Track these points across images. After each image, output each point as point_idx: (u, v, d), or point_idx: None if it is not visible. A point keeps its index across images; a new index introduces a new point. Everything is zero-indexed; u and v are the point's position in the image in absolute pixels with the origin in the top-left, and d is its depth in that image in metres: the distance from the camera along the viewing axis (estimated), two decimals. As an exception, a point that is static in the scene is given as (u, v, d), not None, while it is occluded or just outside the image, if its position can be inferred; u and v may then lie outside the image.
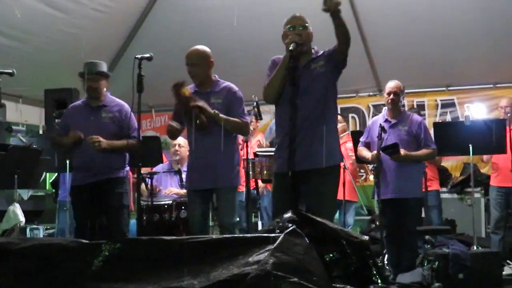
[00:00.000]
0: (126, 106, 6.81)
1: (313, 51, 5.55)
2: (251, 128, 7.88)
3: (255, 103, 7.19)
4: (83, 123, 6.65)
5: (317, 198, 5.26)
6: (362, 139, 7.66)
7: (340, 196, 8.56)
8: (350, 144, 9.12)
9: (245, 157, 7.15)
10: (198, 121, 5.86)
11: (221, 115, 5.96)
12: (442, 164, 9.73)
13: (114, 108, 6.80)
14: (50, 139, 7.16)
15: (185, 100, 5.87)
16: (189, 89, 5.93)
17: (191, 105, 5.85)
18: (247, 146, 7.10)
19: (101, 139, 6.48)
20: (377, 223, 8.94)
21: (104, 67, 6.95)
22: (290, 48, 5.19)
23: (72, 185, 6.75)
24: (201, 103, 5.87)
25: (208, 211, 6.26)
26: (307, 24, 5.47)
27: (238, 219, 6.41)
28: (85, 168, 6.60)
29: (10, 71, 6.17)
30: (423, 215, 8.37)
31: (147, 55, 5.74)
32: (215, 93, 6.15)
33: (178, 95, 5.86)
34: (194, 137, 6.09)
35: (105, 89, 6.87)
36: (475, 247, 7.61)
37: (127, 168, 6.86)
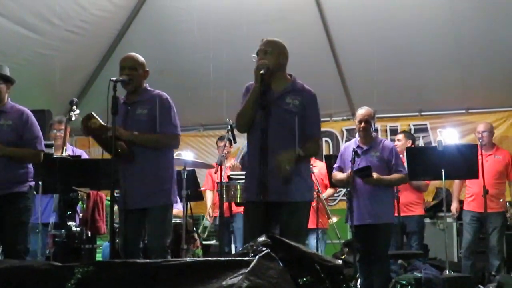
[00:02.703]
0: (27, 113, 6.43)
1: (289, 77, 5.52)
2: (225, 152, 7.88)
3: (229, 127, 7.16)
4: None
5: (287, 231, 5.16)
6: (335, 165, 7.69)
7: (314, 225, 8.61)
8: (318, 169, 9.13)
9: (218, 180, 7.14)
10: (119, 149, 5.62)
11: (139, 135, 5.75)
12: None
13: (14, 115, 6.35)
14: None
15: (98, 131, 5.72)
16: (98, 119, 5.70)
17: (104, 136, 5.66)
18: (221, 169, 7.09)
19: None
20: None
21: (5, 71, 6.53)
22: (261, 72, 5.20)
23: None
24: (112, 128, 5.54)
25: (138, 232, 5.92)
26: (270, 49, 5.41)
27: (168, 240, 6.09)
28: None
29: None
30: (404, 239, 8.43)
31: (122, 78, 5.73)
32: (142, 103, 5.89)
33: (89, 128, 5.72)
34: (121, 162, 5.78)
35: (6, 95, 6.44)
36: (447, 272, 7.64)
37: (31, 182, 6.45)
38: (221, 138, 8.99)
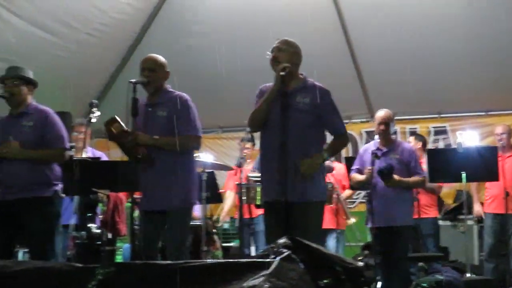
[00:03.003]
0: (49, 113, 6.37)
1: (301, 76, 5.56)
2: (245, 153, 7.87)
3: (248, 129, 7.16)
4: (2, 133, 6.23)
5: (303, 231, 5.19)
6: (354, 166, 7.68)
7: (332, 225, 8.60)
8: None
9: (238, 182, 7.14)
10: (139, 155, 5.65)
11: (159, 139, 5.74)
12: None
13: (35, 116, 6.30)
14: None
15: (119, 136, 5.72)
16: (121, 124, 5.69)
17: (125, 142, 5.68)
18: (240, 172, 7.09)
19: (13, 145, 6.10)
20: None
21: (28, 73, 6.50)
22: (282, 73, 5.23)
23: None
24: (133, 136, 5.62)
25: (157, 234, 5.89)
26: (284, 47, 5.48)
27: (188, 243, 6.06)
28: (6, 183, 6.12)
29: (5, 94, 6.16)
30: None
31: (141, 80, 5.73)
32: (162, 105, 5.88)
33: (111, 132, 5.72)
34: (142, 167, 5.80)
35: (28, 96, 6.40)
36: (468, 274, 7.60)
37: (57, 186, 6.35)
38: (244, 139, 8.99)
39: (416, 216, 7.81)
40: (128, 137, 5.61)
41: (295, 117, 5.31)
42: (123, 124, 5.68)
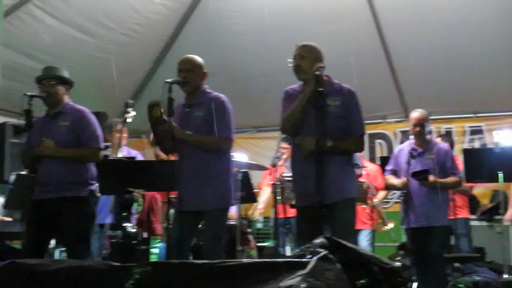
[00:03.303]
0: (85, 112, 6.40)
1: (327, 78, 5.53)
2: (279, 153, 7.86)
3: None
4: (39, 133, 6.19)
5: (337, 229, 5.19)
6: (388, 167, 7.64)
7: (365, 225, 8.58)
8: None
9: (273, 181, 7.13)
10: (166, 145, 5.71)
11: (193, 136, 5.77)
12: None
13: (71, 116, 6.32)
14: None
15: (154, 121, 5.72)
16: (161, 110, 5.66)
17: (158, 128, 5.72)
18: (275, 171, 7.08)
19: (48, 145, 6.10)
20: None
21: (64, 73, 6.50)
22: (317, 72, 5.22)
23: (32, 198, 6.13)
24: (170, 126, 5.64)
25: (190, 234, 5.91)
26: (306, 54, 5.49)
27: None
28: (42, 182, 6.10)
29: (43, 94, 6.19)
30: (452, 242, 8.32)
31: (178, 79, 5.75)
32: (199, 105, 5.89)
33: (150, 114, 5.73)
34: (176, 161, 5.86)
35: (64, 96, 6.40)
36: (505, 275, 7.52)
37: (92, 186, 6.37)
38: (283, 139, 8.99)
39: (451, 217, 7.74)
40: (165, 125, 5.63)
41: (327, 120, 5.28)
42: (163, 112, 5.68)
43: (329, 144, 5.28)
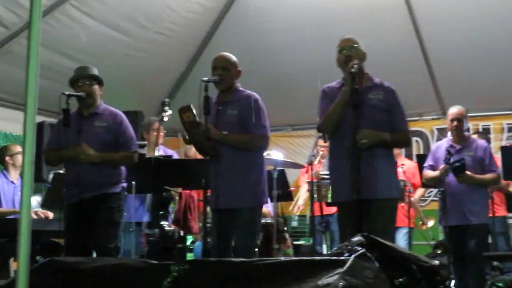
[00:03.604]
0: (121, 115, 6.46)
1: (367, 76, 5.53)
2: (315, 151, 7.85)
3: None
4: (74, 133, 6.17)
5: (374, 229, 5.16)
6: (426, 163, 7.59)
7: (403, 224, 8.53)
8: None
9: (309, 180, 7.12)
10: (207, 149, 5.66)
11: (229, 135, 5.75)
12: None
13: (108, 117, 6.38)
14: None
15: (188, 125, 5.75)
16: (194, 114, 5.68)
17: (194, 132, 5.72)
18: (311, 169, 7.07)
19: (89, 151, 6.13)
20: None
21: (95, 71, 6.51)
22: (352, 69, 5.20)
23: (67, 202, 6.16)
24: (205, 127, 5.58)
25: (229, 232, 5.90)
26: (356, 45, 5.49)
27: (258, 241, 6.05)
28: (76, 184, 6.11)
29: (80, 94, 6.21)
30: (489, 241, 8.25)
31: (213, 78, 5.76)
32: (233, 103, 5.89)
33: (182, 119, 5.75)
34: (210, 160, 5.80)
35: (99, 96, 6.45)
36: (544, 274, 7.45)
37: (123, 184, 6.48)
38: (321, 137, 8.97)
39: (490, 215, 7.68)
40: (199, 128, 5.63)
41: (368, 113, 5.29)
42: (195, 114, 5.70)
43: (387, 137, 5.31)
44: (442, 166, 7.12)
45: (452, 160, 7.05)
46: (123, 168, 6.49)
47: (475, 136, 8.92)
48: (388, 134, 5.33)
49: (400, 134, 5.53)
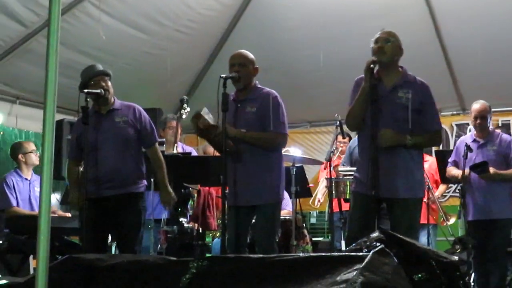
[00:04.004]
0: (140, 108, 6.49)
1: (400, 70, 5.49)
2: (334, 148, 7.83)
3: (338, 122, 7.14)
4: (96, 132, 6.18)
5: (399, 228, 5.09)
6: (450, 159, 7.56)
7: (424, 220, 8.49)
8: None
9: (328, 176, 7.11)
10: (227, 148, 5.61)
11: (248, 133, 5.77)
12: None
13: (125, 111, 6.37)
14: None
15: (206, 131, 5.75)
16: (206, 118, 5.69)
17: (213, 135, 5.72)
18: (329, 166, 7.06)
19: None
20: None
21: (101, 68, 6.47)
22: (371, 65, 5.18)
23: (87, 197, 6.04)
24: (222, 125, 5.54)
25: (246, 229, 5.96)
26: (392, 38, 5.43)
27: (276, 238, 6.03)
28: (100, 180, 6.15)
29: (99, 91, 6.21)
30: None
31: (232, 74, 5.76)
32: (251, 101, 5.91)
33: (197, 127, 5.75)
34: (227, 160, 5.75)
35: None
36: None
37: (145, 182, 6.49)
38: (339, 133, 8.95)
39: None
40: (216, 130, 5.65)
41: (397, 112, 5.29)
42: (207, 118, 5.71)
43: (408, 141, 5.26)
44: (461, 172, 7.08)
45: (474, 161, 7.02)
46: (144, 165, 6.49)
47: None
48: (409, 138, 5.27)
49: (431, 135, 5.51)
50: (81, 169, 6.43)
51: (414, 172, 5.42)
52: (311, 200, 9.54)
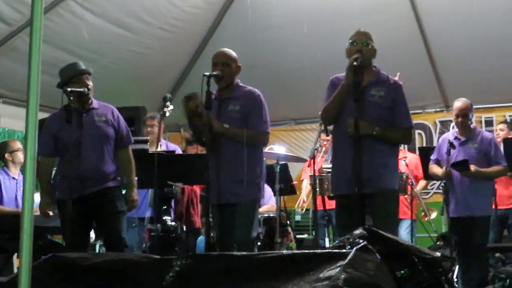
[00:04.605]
0: (114, 107, 6.53)
1: (374, 69, 5.53)
2: (318, 145, 7.85)
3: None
4: (75, 130, 6.12)
5: (379, 220, 5.18)
6: (432, 157, 7.60)
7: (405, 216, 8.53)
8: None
9: (312, 173, 7.13)
10: (203, 138, 5.69)
11: (230, 129, 5.76)
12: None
13: (103, 111, 6.39)
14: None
15: (191, 114, 5.74)
16: (197, 102, 5.68)
17: (195, 122, 5.74)
18: (313, 163, 7.08)
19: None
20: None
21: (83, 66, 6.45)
22: (354, 63, 5.20)
23: (63, 198, 6.08)
24: (208, 118, 5.60)
25: (230, 226, 5.91)
26: (369, 42, 5.46)
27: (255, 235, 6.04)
28: (80, 177, 6.13)
29: (82, 89, 6.19)
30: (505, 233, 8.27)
31: (215, 73, 5.76)
32: (234, 99, 5.89)
33: (187, 108, 5.75)
34: (210, 154, 5.80)
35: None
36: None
37: (119, 179, 6.47)
38: (323, 130, 8.96)
39: (505, 207, 7.70)
40: (202, 118, 5.64)
41: (370, 110, 5.32)
42: (200, 104, 5.68)
43: (376, 131, 5.29)
44: (444, 166, 7.14)
45: (455, 158, 7.07)
46: (118, 165, 6.51)
47: (504, 126, 8.85)
48: (377, 129, 5.31)
49: (400, 130, 5.55)
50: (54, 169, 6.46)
51: (391, 167, 5.50)
52: (296, 204, 9.59)
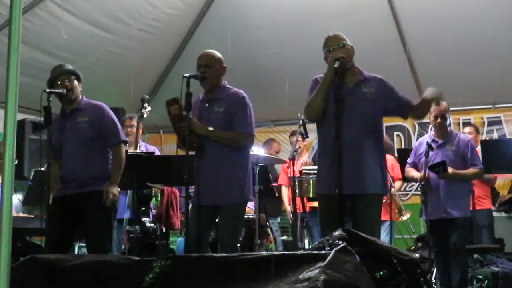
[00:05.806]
0: (103, 107, 6.40)
1: (356, 70, 5.53)
2: (297, 147, 7.86)
3: (301, 121, 7.16)
4: (58, 132, 6.20)
5: (361, 224, 5.18)
6: (409, 160, 7.64)
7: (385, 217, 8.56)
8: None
9: (291, 175, 7.13)
10: (194, 144, 5.68)
11: (214, 131, 5.73)
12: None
13: (89, 111, 6.29)
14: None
15: (174, 118, 5.71)
16: (180, 107, 5.64)
17: (179, 125, 5.69)
18: (293, 165, 7.08)
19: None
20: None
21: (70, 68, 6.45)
22: (335, 65, 5.19)
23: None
24: (191, 122, 5.63)
25: (208, 229, 5.96)
26: (344, 42, 5.45)
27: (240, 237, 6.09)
28: (64, 178, 6.16)
29: (61, 90, 6.16)
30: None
31: (196, 74, 5.74)
32: (219, 101, 5.86)
33: (169, 112, 5.72)
34: (195, 158, 5.84)
35: (80, 91, 6.36)
36: (525, 266, 7.49)
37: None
38: (293, 133, 8.96)
39: (471, 208, 7.73)
40: (184, 121, 5.61)
41: (362, 107, 5.35)
42: (182, 108, 5.65)
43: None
44: (421, 169, 7.18)
45: (433, 161, 7.10)
46: (110, 164, 6.42)
47: (471, 129, 8.94)
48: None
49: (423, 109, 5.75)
50: (42, 168, 6.41)
51: (377, 168, 5.47)
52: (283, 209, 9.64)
